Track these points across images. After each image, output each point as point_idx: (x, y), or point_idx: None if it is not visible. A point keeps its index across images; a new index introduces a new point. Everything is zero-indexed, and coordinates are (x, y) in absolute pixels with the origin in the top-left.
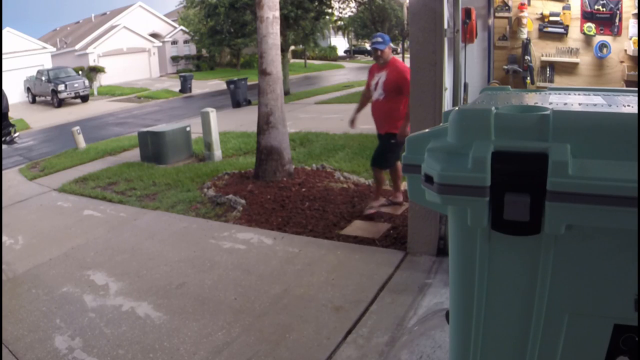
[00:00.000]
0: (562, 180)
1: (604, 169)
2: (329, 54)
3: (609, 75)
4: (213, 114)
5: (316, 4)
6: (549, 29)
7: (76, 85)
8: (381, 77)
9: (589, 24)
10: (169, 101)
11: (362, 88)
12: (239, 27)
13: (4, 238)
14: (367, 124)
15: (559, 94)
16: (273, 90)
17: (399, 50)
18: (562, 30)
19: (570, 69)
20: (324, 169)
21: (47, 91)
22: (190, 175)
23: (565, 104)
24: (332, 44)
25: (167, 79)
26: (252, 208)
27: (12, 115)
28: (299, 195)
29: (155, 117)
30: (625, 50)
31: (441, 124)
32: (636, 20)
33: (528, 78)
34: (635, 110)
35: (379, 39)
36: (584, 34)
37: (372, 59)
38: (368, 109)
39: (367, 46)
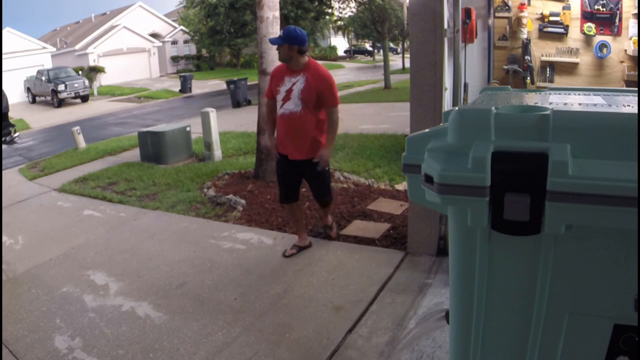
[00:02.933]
0: (562, 180)
1: (604, 169)
2: (329, 54)
3: (609, 75)
4: (213, 114)
5: (316, 4)
6: (549, 29)
7: (76, 85)
8: (296, 83)
9: (589, 24)
10: (169, 101)
11: (362, 88)
12: (239, 27)
13: (4, 238)
14: (367, 123)
15: (559, 94)
16: None
17: (399, 50)
18: (562, 30)
19: (570, 69)
20: None
21: (47, 91)
22: (190, 175)
23: (565, 104)
24: (332, 44)
25: (167, 79)
26: (252, 208)
27: (12, 115)
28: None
29: (155, 117)
30: (625, 50)
31: (441, 124)
32: (636, 20)
33: (528, 78)
34: (635, 110)
35: (293, 33)
36: (584, 34)
37: (367, 57)
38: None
39: (368, 46)
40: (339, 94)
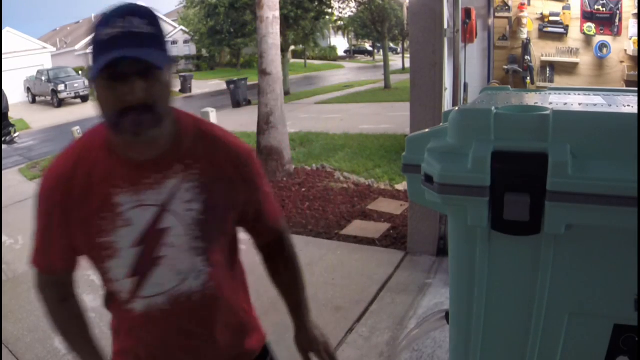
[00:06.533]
0: (562, 180)
1: (604, 169)
2: (329, 54)
3: (609, 75)
4: (213, 114)
5: (316, 4)
6: (549, 29)
7: (76, 85)
8: (172, 203)
9: (589, 24)
10: None
11: (362, 88)
12: (239, 27)
13: (4, 238)
14: (367, 123)
15: (559, 94)
16: (273, 90)
17: (399, 50)
18: (562, 30)
19: (570, 69)
20: (323, 169)
21: (47, 91)
22: None
23: (565, 104)
24: (332, 44)
25: None
26: None
27: (12, 115)
28: (299, 195)
29: None
30: (625, 50)
31: (441, 124)
32: (636, 20)
33: (528, 78)
34: (635, 110)
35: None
36: (584, 34)
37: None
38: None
39: (368, 46)
40: (338, 94)
